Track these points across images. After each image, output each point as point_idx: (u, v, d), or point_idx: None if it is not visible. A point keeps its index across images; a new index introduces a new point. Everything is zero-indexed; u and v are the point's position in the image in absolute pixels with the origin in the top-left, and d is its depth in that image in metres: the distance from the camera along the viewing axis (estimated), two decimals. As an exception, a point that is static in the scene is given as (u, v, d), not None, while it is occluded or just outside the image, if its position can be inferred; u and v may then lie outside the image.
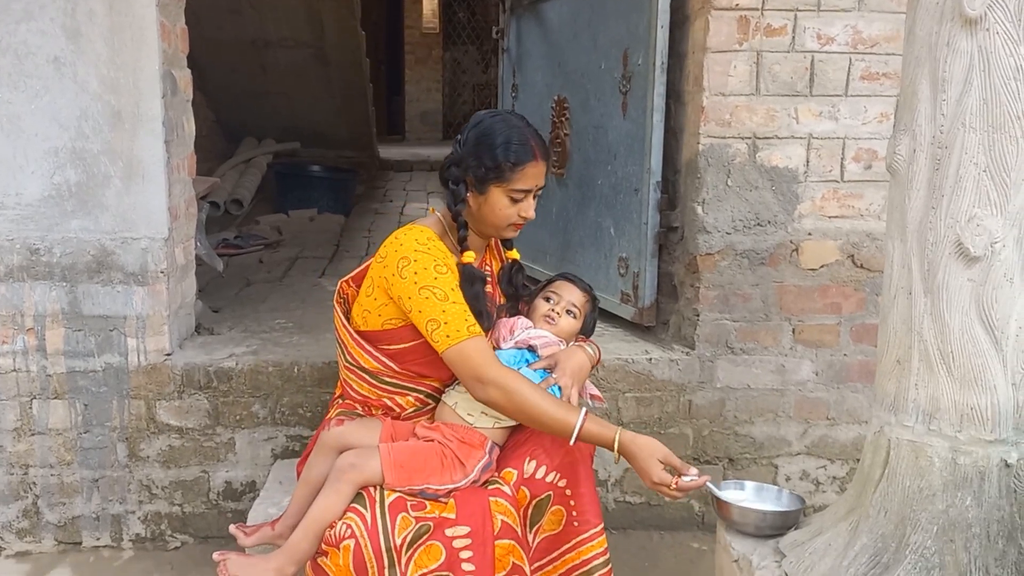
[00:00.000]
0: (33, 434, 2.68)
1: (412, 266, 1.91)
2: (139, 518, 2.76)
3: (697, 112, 2.75)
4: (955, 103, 1.54)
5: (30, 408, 2.67)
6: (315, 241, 5.23)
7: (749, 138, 2.74)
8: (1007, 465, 1.61)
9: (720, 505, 1.97)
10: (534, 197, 2.02)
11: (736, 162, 2.74)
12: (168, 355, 2.70)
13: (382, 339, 2.02)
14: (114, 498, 2.74)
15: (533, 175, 1.98)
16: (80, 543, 2.75)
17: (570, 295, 2.14)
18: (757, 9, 2.67)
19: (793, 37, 2.69)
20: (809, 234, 2.79)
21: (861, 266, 2.82)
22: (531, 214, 2.01)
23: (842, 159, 2.77)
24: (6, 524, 2.71)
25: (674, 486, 1.84)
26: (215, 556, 1.93)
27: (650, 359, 2.84)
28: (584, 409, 1.87)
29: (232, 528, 2.11)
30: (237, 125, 7.35)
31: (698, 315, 2.83)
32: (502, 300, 2.17)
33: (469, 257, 2.02)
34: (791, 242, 2.79)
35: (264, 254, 4.81)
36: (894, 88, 2.72)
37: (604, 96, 3.14)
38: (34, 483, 2.71)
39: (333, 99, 7.11)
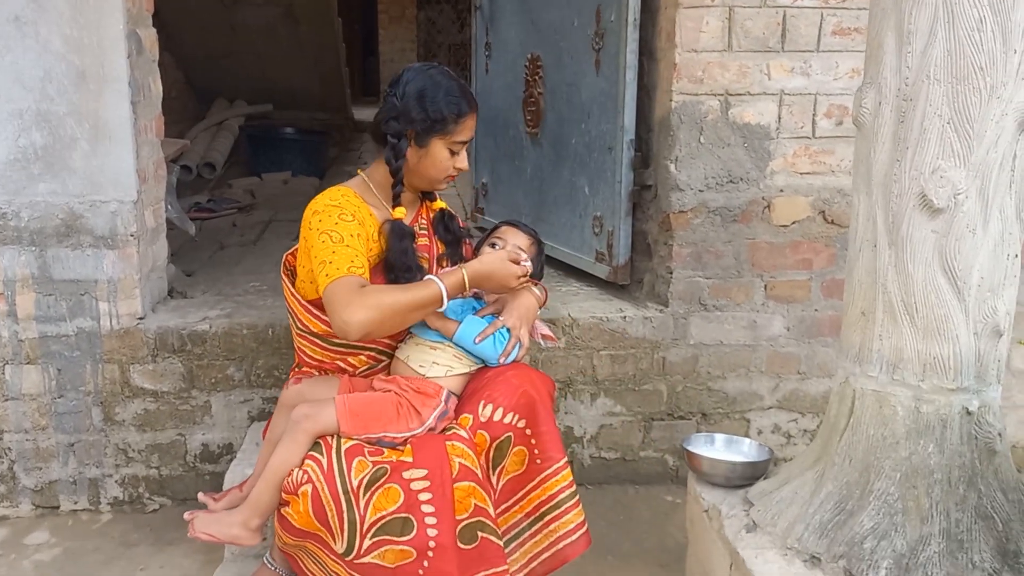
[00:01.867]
0: (7, 399, 2.67)
1: (319, 216, 1.97)
2: (116, 481, 2.77)
3: (670, 69, 2.74)
4: (920, 55, 1.55)
5: (3, 373, 2.65)
6: (289, 204, 5.18)
7: (721, 95, 2.74)
8: (968, 413, 1.65)
9: (691, 457, 2.01)
10: (466, 150, 2.10)
11: (709, 119, 2.74)
12: (141, 319, 2.69)
13: (322, 306, 2.02)
14: (91, 462, 2.74)
15: (470, 126, 2.07)
16: (58, 507, 2.76)
17: (515, 239, 2.17)
18: (729, -36, 2.65)
19: (765, -8, 2.68)
20: (781, 191, 2.81)
21: (832, 222, 2.84)
22: (465, 166, 2.10)
23: (814, 115, 2.78)
24: (-18, 489, 2.71)
25: (522, 265, 2.01)
26: (185, 516, 1.96)
27: (624, 317, 2.86)
28: (436, 276, 1.94)
29: (201, 496, 2.12)
30: (208, 87, 7.24)
31: (671, 273, 2.84)
32: (441, 249, 2.20)
33: (400, 212, 2.06)
34: (763, 199, 2.81)
35: (237, 217, 4.77)
36: (865, 43, 2.71)
37: (577, 53, 3.12)
38: (9, 448, 2.70)
39: (305, 59, 7.00)
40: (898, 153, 1.60)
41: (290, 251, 2.22)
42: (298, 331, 2.13)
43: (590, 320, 2.84)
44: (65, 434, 2.71)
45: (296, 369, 2.22)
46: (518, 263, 2.02)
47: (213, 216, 4.73)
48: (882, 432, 1.68)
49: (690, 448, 2.01)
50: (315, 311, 2.06)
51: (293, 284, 2.15)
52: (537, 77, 3.41)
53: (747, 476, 1.96)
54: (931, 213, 1.59)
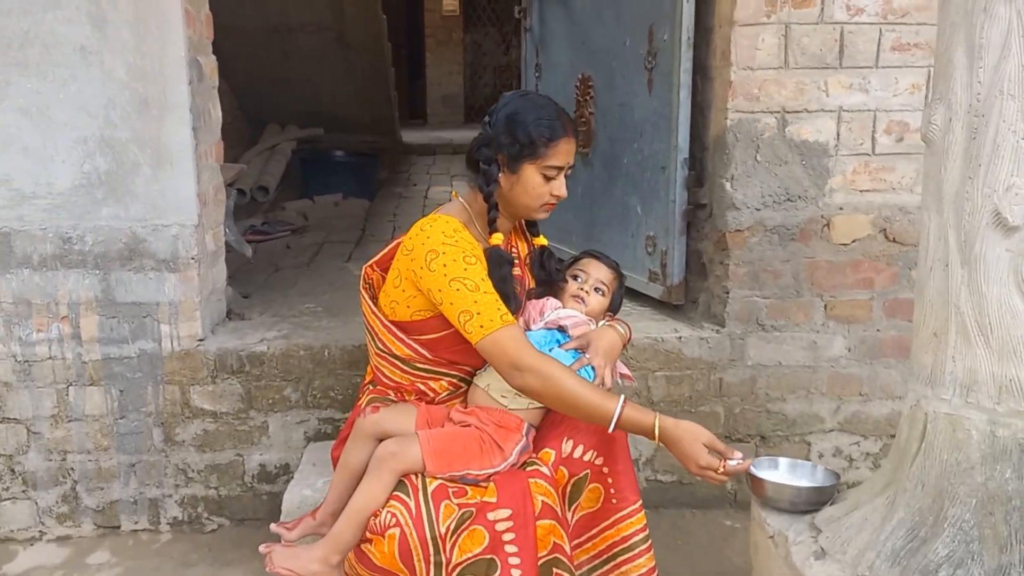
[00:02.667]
0: (70, 420, 2.72)
1: (441, 259, 1.90)
2: (176, 501, 2.80)
3: (724, 87, 2.72)
4: (992, 70, 1.51)
5: (66, 395, 2.71)
6: (341, 226, 5.25)
7: (778, 112, 2.70)
8: (1048, 437, 1.59)
9: (754, 482, 1.96)
10: (565, 176, 2.01)
11: (765, 137, 2.71)
12: (201, 340, 2.73)
13: (412, 329, 2.02)
14: (151, 482, 2.78)
15: (565, 151, 1.98)
16: (118, 527, 2.80)
17: (598, 272, 2.14)
18: (784, -20, 2.63)
19: (822, 8, 2.65)
20: (840, 208, 2.76)
21: (893, 240, 2.78)
22: (563, 192, 2.01)
23: (873, 132, 2.73)
24: (46, 509, 2.76)
25: (721, 470, 1.82)
26: (261, 549, 1.94)
27: (680, 337, 2.83)
28: (623, 396, 1.85)
29: (273, 527, 2.09)
30: (260, 112, 7.38)
31: (728, 292, 2.80)
32: (531, 284, 2.16)
33: (497, 239, 2.01)
34: (822, 217, 2.76)
35: (291, 239, 4.84)
36: (926, 58, 2.67)
37: (629, 73, 3.12)
38: (72, 468, 2.75)
39: (355, 83, 7.11)
40: (970, 170, 1.56)
41: (369, 263, 2.17)
42: (378, 351, 2.09)
43: (644, 341, 2.81)
44: (126, 454, 2.75)
45: (370, 388, 2.17)
46: (715, 469, 1.83)
47: (268, 239, 4.81)
48: (956, 457, 1.62)
49: (754, 472, 1.96)
50: (399, 334, 2.02)
51: (375, 302, 2.12)
52: (588, 97, 3.41)
53: (813, 501, 1.90)
54: (1005, 231, 1.54)
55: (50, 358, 2.69)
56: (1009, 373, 1.58)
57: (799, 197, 2.75)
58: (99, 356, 2.69)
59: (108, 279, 2.66)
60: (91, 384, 2.71)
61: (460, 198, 2.09)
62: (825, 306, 2.82)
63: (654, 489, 2.88)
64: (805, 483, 1.96)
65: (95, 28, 2.53)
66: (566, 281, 2.14)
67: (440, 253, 1.90)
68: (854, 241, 2.77)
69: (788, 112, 2.70)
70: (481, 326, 1.84)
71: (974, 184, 1.56)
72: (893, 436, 1.82)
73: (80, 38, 2.54)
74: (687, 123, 2.85)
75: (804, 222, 2.76)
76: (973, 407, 1.62)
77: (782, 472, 2.03)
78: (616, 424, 1.82)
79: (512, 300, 1.97)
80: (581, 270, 2.15)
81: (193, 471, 2.78)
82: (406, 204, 6.11)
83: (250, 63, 6.66)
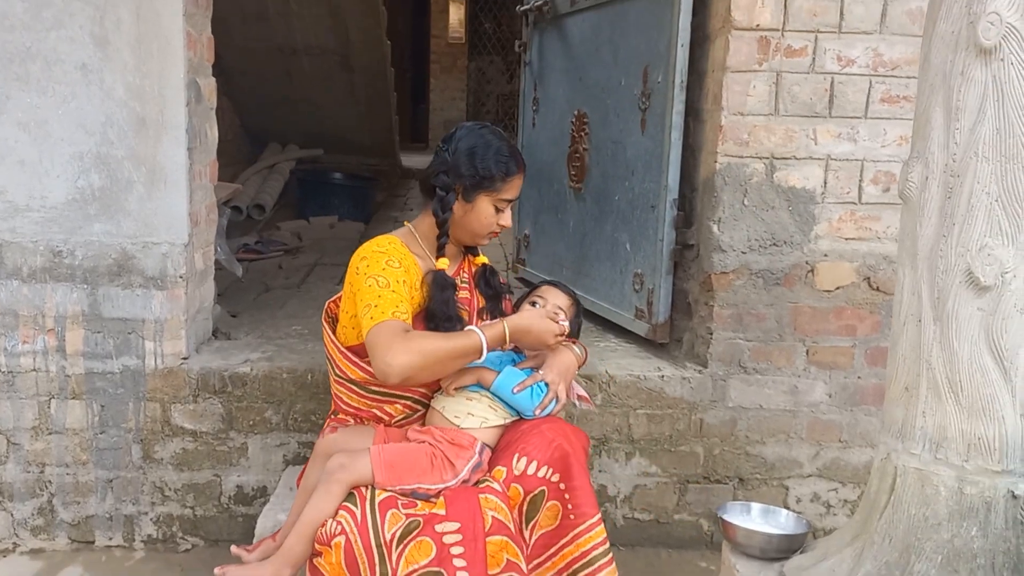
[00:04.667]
0: (50, 433, 2.72)
1: (365, 262, 2.01)
2: (151, 519, 2.79)
3: (715, 131, 2.75)
4: (968, 132, 1.54)
5: (48, 407, 2.71)
6: (334, 248, 5.27)
7: (767, 158, 2.74)
8: (1014, 496, 1.60)
9: (726, 527, 1.97)
10: (512, 208, 2.16)
11: (753, 181, 2.74)
12: (185, 359, 2.74)
13: (362, 351, 2.06)
14: (127, 499, 2.77)
15: (517, 186, 2.12)
16: (93, 542, 2.79)
17: (556, 299, 2.19)
18: (778, 30, 2.67)
19: (813, 58, 2.69)
20: (825, 255, 2.79)
21: (877, 289, 2.80)
22: (509, 223, 2.16)
23: (860, 181, 2.76)
24: (21, 521, 2.75)
25: (559, 325, 2.05)
26: (216, 571, 1.94)
27: (662, 376, 2.84)
28: (477, 327, 1.96)
29: (234, 549, 2.10)
30: (262, 130, 7.43)
31: (712, 333, 2.82)
32: (481, 303, 2.22)
33: (443, 264, 2.10)
34: (807, 263, 2.79)
35: (284, 260, 4.85)
36: (913, 116, 2.70)
37: (623, 112, 3.16)
38: (50, 481, 2.75)
39: (357, 106, 7.16)
40: (945, 229, 1.58)
41: (332, 299, 2.27)
42: (336, 377, 2.16)
43: (627, 378, 2.82)
44: (104, 470, 2.75)
45: (332, 416, 2.23)
46: (556, 323, 2.04)
47: (260, 258, 4.82)
48: (924, 512, 1.64)
49: (726, 517, 1.97)
50: (353, 358, 2.09)
51: (334, 331, 2.17)
52: (583, 133, 3.44)
53: (783, 549, 1.91)
54: (978, 291, 1.56)
55: (34, 370, 2.69)
56: (978, 431, 1.60)
57: (785, 242, 2.77)
58: (82, 370, 2.70)
59: (96, 294, 2.67)
60: (73, 398, 2.71)
61: (409, 224, 2.19)
62: (807, 351, 2.83)
63: (630, 527, 2.88)
64: (776, 530, 1.98)
65: (97, 47, 2.56)
66: (527, 306, 2.19)
67: (367, 258, 2.02)
68: (838, 288, 2.80)
69: (776, 158, 2.74)
70: (372, 317, 1.90)
71: (948, 242, 1.58)
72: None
73: (82, 56, 2.57)
74: (678, 164, 2.88)
75: (789, 267, 2.78)
76: (942, 463, 1.63)
77: (754, 518, 2.04)
78: (487, 348, 1.94)
79: (457, 322, 2.04)
80: (540, 296, 2.21)
81: (170, 489, 2.78)
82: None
83: (254, 82, 6.72)
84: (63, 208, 2.64)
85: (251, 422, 2.76)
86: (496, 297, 2.25)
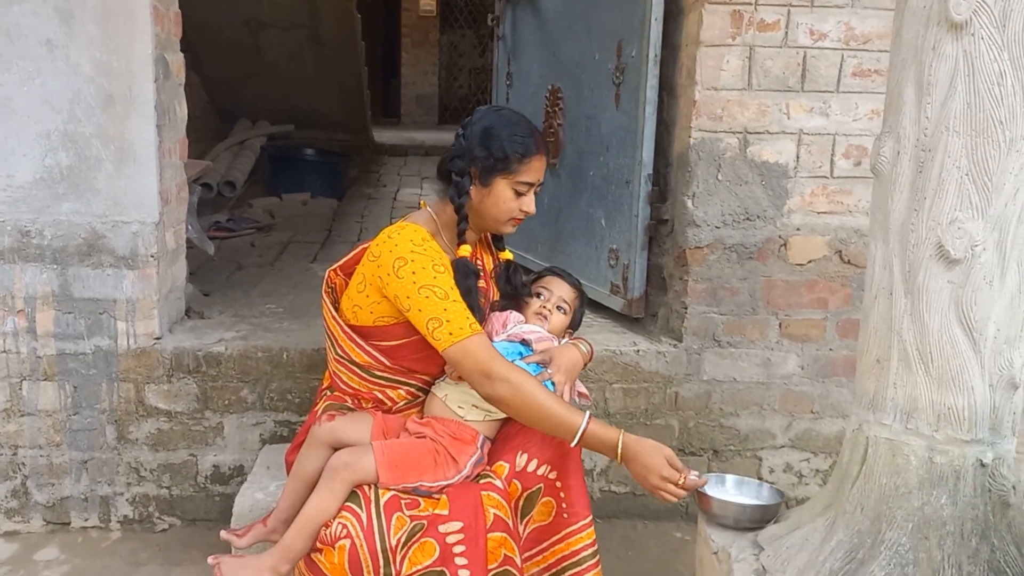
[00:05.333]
0: (23, 415, 2.69)
1: (409, 266, 1.90)
2: (127, 500, 2.78)
3: (689, 106, 2.76)
4: (939, 107, 1.55)
5: (20, 389, 2.68)
6: (307, 225, 5.23)
7: (740, 133, 2.75)
8: (982, 465, 1.63)
9: (701, 498, 1.99)
10: (535, 192, 2.04)
11: (727, 156, 2.76)
12: (157, 339, 2.71)
13: (374, 335, 2.02)
14: (103, 480, 2.76)
15: (537, 168, 2.01)
16: (68, 523, 2.77)
17: (560, 291, 2.16)
18: (751, 4, 2.67)
19: (786, 32, 2.70)
20: (798, 229, 2.81)
21: (849, 262, 2.84)
22: (532, 209, 2.04)
23: (832, 155, 2.79)
24: (-5, 504, 2.73)
25: (681, 482, 1.85)
26: (209, 560, 1.93)
27: (638, 351, 2.86)
28: (588, 412, 1.87)
29: (223, 534, 2.09)
30: (231, 106, 7.32)
31: (686, 308, 2.85)
32: (495, 296, 2.18)
33: (465, 251, 2.02)
34: (779, 237, 2.81)
35: (256, 238, 4.81)
36: (885, 85, 2.72)
37: (598, 87, 3.15)
38: (23, 463, 2.72)
39: (328, 81, 7.08)
40: (916, 203, 1.60)
41: (333, 267, 2.17)
42: (336, 357, 2.09)
43: (603, 352, 2.84)
44: (79, 451, 2.73)
45: (328, 393, 2.17)
46: (675, 481, 1.85)
47: (232, 236, 4.78)
48: (895, 481, 1.67)
49: (700, 488, 1.99)
50: (358, 340, 2.02)
51: (336, 307, 2.11)
52: (557, 109, 3.43)
53: (757, 519, 1.94)
54: (948, 264, 1.58)
55: (4, 351, 2.66)
56: (947, 401, 1.63)
57: (758, 217, 2.79)
58: (54, 351, 2.67)
59: (66, 274, 2.64)
60: (45, 379, 2.68)
61: (428, 208, 2.10)
62: (780, 324, 2.87)
63: (607, 500, 2.91)
64: (750, 501, 2.00)
65: (62, 22, 2.51)
66: (531, 297, 2.16)
67: (409, 260, 1.91)
68: (810, 262, 2.83)
69: (750, 133, 2.75)
70: (450, 333, 1.86)
71: (919, 216, 1.60)
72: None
73: (46, 32, 2.52)
74: (652, 139, 2.89)
75: (762, 241, 2.81)
76: (912, 433, 1.66)
77: (729, 489, 2.07)
78: (580, 439, 1.84)
79: (476, 312, 1.98)
80: (544, 288, 2.16)
81: (145, 470, 2.77)
82: (375, 206, 6.10)
83: (222, 57, 6.61)
84: (31, 187, 2.59)
85: (226, 401, 2.75)
86: (515, 296, 2.18)
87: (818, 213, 2.81)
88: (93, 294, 2.65)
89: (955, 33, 1.52)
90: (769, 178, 2.78)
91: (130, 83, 2.57)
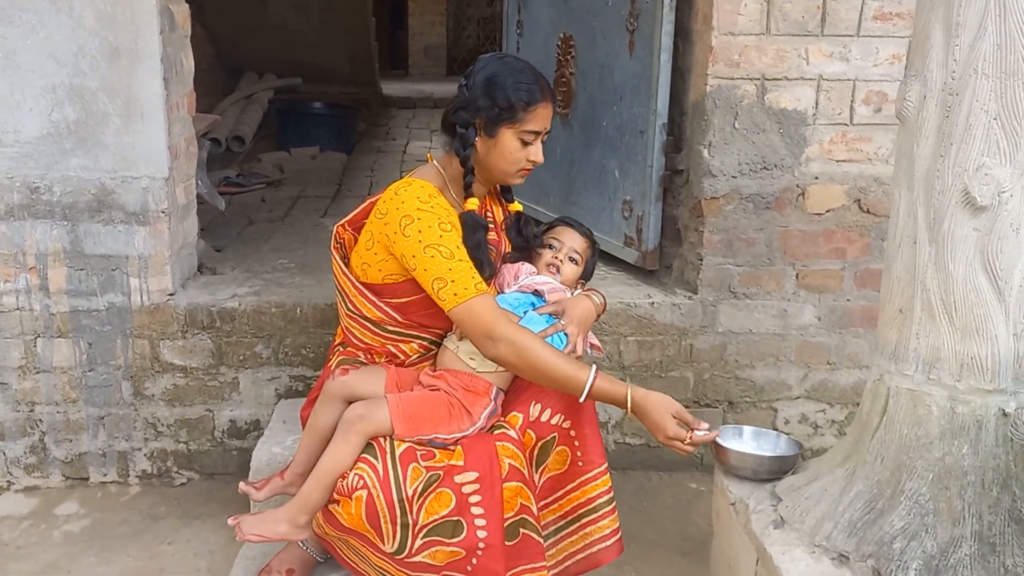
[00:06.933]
0: (38, 372, 2.70)
1: (415, 224, 1.88)
2: (145, 455, 2.80)
3: (705, 52, 2.69)
4: (968, 48, 1.51)
5: (34, 346, 2.68)
6: (317, 180, 5.19)
7: (758, 79, 2.69)
8: (1005, 414, 1.62)
9: (718, 449, 1.99)
10: (542, 141, 2.00)
11: (744, 104, 2.70)
12: (171, 295, 2.71)
13: (383, 292, 2.01)
14: (120, 435, 2.77)
15: (543, 116, 1.97)
16: (87, 479, 2.80)
17: (572, 241, 2.14)
18: (769, -55, 2.59)
19: (805, -25, 2.62)
20: (816, 178, 2.76)
21: (868, 211, 2.79)
22: (540, 158, 2.00)
23: (852, 102, 2.72)
24: (14, 460, 2.75)
25: (688, 440, 1.84)
26: (229, 521, 1.94)
27: (652, 303, 2.84)
28: (594, 367, 1.86)
29: (242, 486, 2.09)
30: (237, 60, 7.24)
31: (701, 259, 2.81)
32: (507, 248, 2.15)
33: (473, 204, 1.99)
34: (797, 186, 2.76)
35: (266, 192, 4.78)
36: (907, 28, 2.65)
37: (610, 34, 3.08)
38: (40, 420, 2.74)
39: (334, 33, 6.98)
40: (942, 149, 1.56)
41: (341, 222, 2.14)
42: (348, 312, 2.07)
43: (617, 305, 2.82)
44: (95, 407, 2.74)
45: (340, 348, 2.16)
46: (682, 440, 1.84)
47: (242, 191, 4.75)
48: (916, 432, 1.66)
49: (718, 440, 1.99)
50: (370, 296, 2.01)
51: (346, 262, 2.09)
52: (569, 57, 3.37)
53: (775, 470, 1.94)
54: (974, 211, 1.55)
55: (18, 309, 2.66)
56: (971, 351, 1.61)
57: (775, 166, 2.74)
58: (67, 308, 2.67)
59: (76, 231, 2.62)
60: (59, 336, 2.69)
61: (435, 162, 2.06)
62: (796, 275, 2.83)
63: (622, 452, 2.91)
64: (768, 452, 2.00)
65: (63, -28, 2.46)
66: (543, 248, 2.14)
67: (415, 219, 1.89)
68: (828, 211, 2.79)
69: (768, 79, 2.69)
70: (455, 294, 1.84)
71: (945, 162, 1.56)
72: (858, 405, 1.85)
73: (48, -18, 2.47)
74: (667, 87, 2.83)
75: (779, 191, 2.76)
76: (935, 383, 1.65)
77: (746, 440, 2.06)
78: (587, 394, 1.84)
79: (487, 265, 1.97)
80: (555, 239, 2.14)
81: (163, 425, 2.78)
82: (384, 159, 6.05)
83: (227, 9, 6.52)
84: (38, 143, 2.56)
85: (241, 357, 2.75)
86: (526, 247, 2.15)
87: (837, 161, 2.76)
88: (105, 250, 2.64)
89: (986, -30, 1.46)
90: (787, 126, 2.72)
91: (135, 35, 2.52)
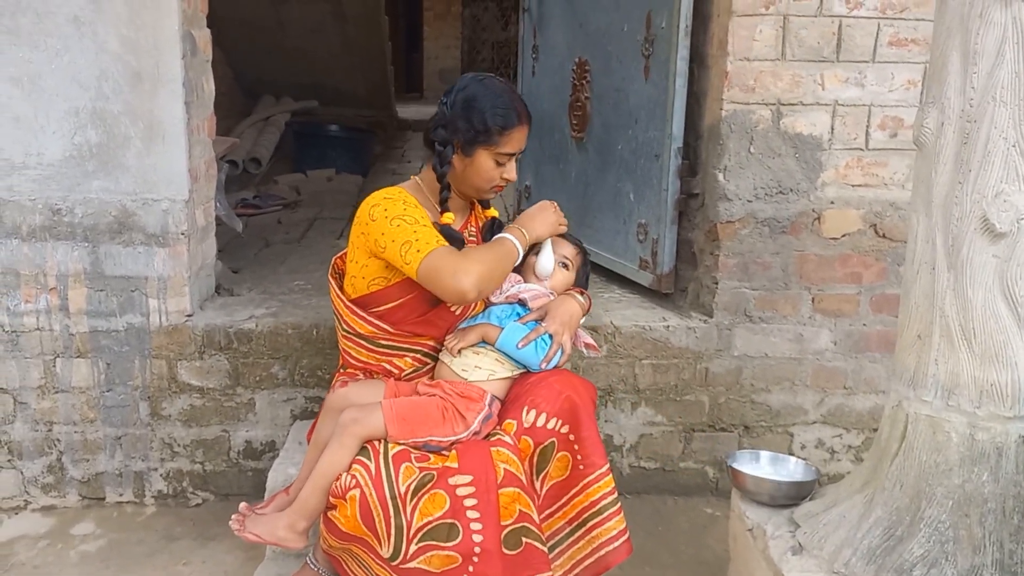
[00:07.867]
0: (57, 392, 2.72)
1: (382, 206, 2.00)
2: (161, 475, 2.81)
3: (721, 77, 2.71)
4: (986, 76, 1.51)
5: (54, 366, 2.70)
6: (333, 202, 5.23)
7: (773, 104, 2.70)
8: (1025, 442, 1.61)
9: (735, 475, 1.98)
10: (516, 160, 2.10)
11: (759, 129, 2.71)
12: (189, 316, 2.73)
13: (371, 302, 2.07)
14: (136, 455, 2.78)
15: (519, 139, 2.06)
16: (103, 499, 2.81)
17: (561, 248, 2.18)
18: (784, -28, 2.61)
19: (820, 1, 2.63)
20: (832, 203, 2.77)
21: (883, 236, 2.79)
22: (513, 177, 2.10)
23: (867, 127, 2.73)
24: (31, 479, 2.77)
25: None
26: (232, 523, 1.97)
27: (667, 326, 2.84)
28: (505, 232, 2.06)
29: (243, 507, 2.08)
30: (255, 82, 7.31)
31: (717, 283, 2.81)
32: None
33: (448, 218, 2.08)
34: (813, 211, 2.77)
35: (283, 214, 4.82)
36: (922, 54, 2.66)
37: (626, 59, 3.10)
38: (58, 439, 2.75)
39: (351, 56, 7.04)
40: (960, 175, 1.56)
41: (339, 255, 2.24)
42: (343, 333, 2.15)
43: (632, 328, 2.82)
44: (112, 427, 2.76)
45: (341, 371, 2.23)
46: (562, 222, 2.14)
47: (259, 212, 4.79)
48: (935, 458, 1.65)
49: (735, 465, 1.98)
50: (360, 312, 2.08)
51: (340, 287, 2.16)
52: (584, 81, 3.39)
53: (792, 496, 1.93)
54: (993, 237, 1.55)
55: (38, 329, 2.68)
56: (990, 377, 1.60)
57: (791, 190, 2.75)
58: (87, 328, 2.69)
59: (97, 252, 2.65)
60: (78, 356, 2.71)
61: (416, 177, 2.16)
62: (812, 299, 2.83)
63: (636, 476, 2.90)
64: (785, 478, 1.99)
65: (88, -1, 2.50)
66: (531, 256, 2.17)
67: (381, 206, 2.00)
68: (844, 235, 2.78)
69: (783, 104, 2.70)
70: (418, 251, 1.91)
71: (963, 189, 1.56)
72: (875, 430, 1.84)
73: (73, 8, 2.51)
74: (682, 111, 2.84)
75: (795, 215, 2.76)
76: (954, 410, 1.64)
77: (763, 465, 2.06)
78: (517, 241, 2.04)
79: None
80: (544, 246, 2.17)
81: (179, 445, 2.79)
82: (400, 181, 6.04)
83: (245, 33, 6.59)
84: (60, 165, 2.60)
85: (257, 378, 2.76)
86: None
87: (852, 186, 2.76)
88: (124, 272, 2.67)
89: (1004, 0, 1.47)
90: (802, 150, 2.73)
91: (157, 60, 2.56)
